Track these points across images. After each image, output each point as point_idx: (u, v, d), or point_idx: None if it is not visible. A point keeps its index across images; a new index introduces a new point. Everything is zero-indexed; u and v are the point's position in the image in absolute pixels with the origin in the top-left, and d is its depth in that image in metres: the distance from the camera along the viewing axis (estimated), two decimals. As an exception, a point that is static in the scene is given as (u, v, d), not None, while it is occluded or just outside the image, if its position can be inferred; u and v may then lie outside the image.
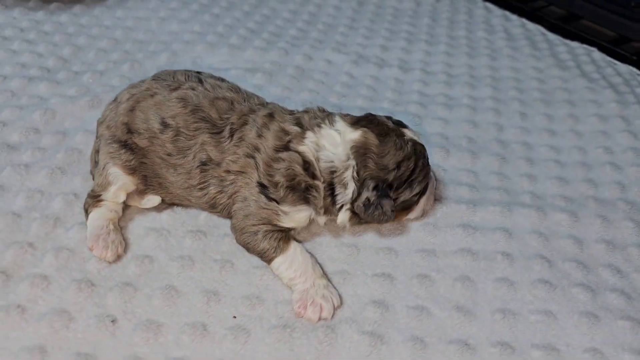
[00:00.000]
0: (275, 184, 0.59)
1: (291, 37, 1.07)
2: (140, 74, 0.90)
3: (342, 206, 0.60)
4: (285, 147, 0.60)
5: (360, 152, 0.59)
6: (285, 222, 0.61)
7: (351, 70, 0.98)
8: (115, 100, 0.66)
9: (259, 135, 0.61)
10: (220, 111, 0.62)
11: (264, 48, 1.00)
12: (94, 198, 0.64)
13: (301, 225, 0.62)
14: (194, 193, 0.62)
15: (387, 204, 0.60)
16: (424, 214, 0.67)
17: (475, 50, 1.09)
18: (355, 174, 0.59)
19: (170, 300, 0.57)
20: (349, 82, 0.94)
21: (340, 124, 0.61)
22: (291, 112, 0.64)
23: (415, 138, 0.62)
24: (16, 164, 0.70)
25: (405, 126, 0.63)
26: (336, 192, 0.60)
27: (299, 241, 0.63)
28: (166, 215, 0.65)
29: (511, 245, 0.65)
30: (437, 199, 0.70)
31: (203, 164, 0.61)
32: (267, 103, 0.66)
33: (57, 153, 0.72)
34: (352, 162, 0.59)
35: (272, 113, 0.62)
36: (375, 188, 0.59)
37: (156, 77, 0.67)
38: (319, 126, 0.62)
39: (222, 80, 0.68)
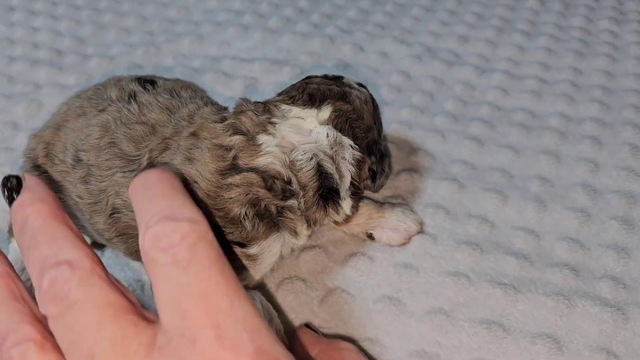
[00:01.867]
0: (235, 220, 0.43)
1: (347, 20, 0.87)
2: (154, 62, 0.77)
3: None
4: (233, 167, 0.43)
5: (343, 127, 0.47)
6: (257, 273, 0.45)
7: (409, 68, 0.76)
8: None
9: (189, 160, 0.44)
10: (137, 140, 0.46)
11: (305, 34, 0.82)
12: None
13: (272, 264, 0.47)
14: (119, 245, 0.48)
15: (386, 163, 0.52)
16: None
17: (590, 48, 0.81)
18: (350, 153, 0.47)
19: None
20: (400, 85, 0.73)
21: (296, 110, 0.47)
22: (220, 112, 0.47)
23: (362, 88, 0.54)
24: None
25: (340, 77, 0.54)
26: (335, 186, 0.46)
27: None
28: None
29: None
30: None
31: (115, 211, 0.46)
32: (197, 111, 0.48)
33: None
34: (344, 141, 0.47)
35: (196, 131, 0.45)
36: (374, 154, 0.49)
37: (97, 87, 0.53)
38: (271, 123, 0.45)
39: (171, 91, 0.51)
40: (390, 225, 0.53)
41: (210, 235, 0.30)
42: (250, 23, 0.85)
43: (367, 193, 0.53)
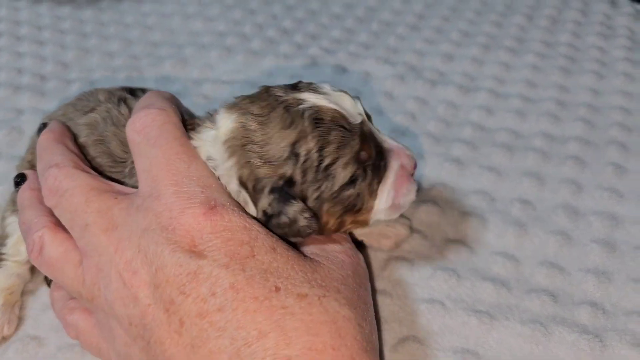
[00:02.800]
0: None
1: (331, 40, 0.87)
2: (136, 85, 0.77)
3: None
4: None
5: (236, 146, 0.40)
6: None
7: (392, 88, 0.76)
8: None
9: None
10: (125, 144, 0.44)
11: (289, 55, 0.82)
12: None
13: None
14: None
15: (291, 210, 0.39)
16: (397, 208, 0.44)
17: (576, 64, 0.80)
18: (237, 180, 0.40)
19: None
20: (382, 106, 0.73)
21: (220, 115, 0.42)
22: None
23: (321, 102, 0.40)
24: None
25: (312, 88, 0.42)
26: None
27: None
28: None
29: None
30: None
31: None
32: None
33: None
34: (231, 163, 0.40)
35: None
36: (271, 192, 0.39)
37: (80, 96, 0.53)
38: (198, 128, 0.43)
39: None
40: (379, 231, 0.53)
41: (175, 118, 0.42)
42: (234, 45, 0.85)
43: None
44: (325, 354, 0.34)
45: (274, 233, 0.40)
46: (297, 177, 0.40)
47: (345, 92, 0.43)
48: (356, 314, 0.37)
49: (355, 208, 0.42)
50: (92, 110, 0.49)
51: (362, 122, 0.41)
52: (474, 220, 0.57)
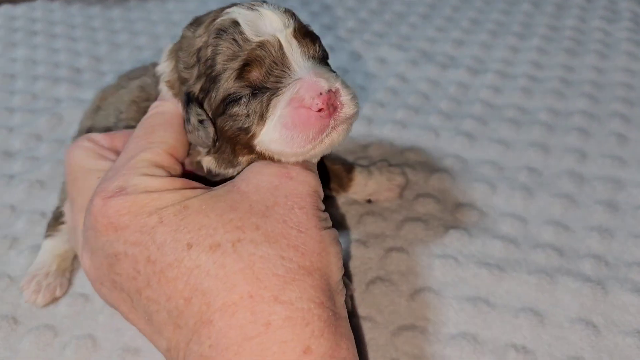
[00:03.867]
0: None
1: (346, 30, 0.91)
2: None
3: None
4: None
5: (173, 51, 0.44)
6: None
7: (405, 72, 0.80)
8: None
9: None
10: None
11: (307, 44, 0.87)
12: (55, 220, 0.56)
13: None
14: None
15: (191, 116, 0.41)
16: (293, 143, 0.38)
17: (581, 45, 0.84)
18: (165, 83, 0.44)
19: (85, 351, 0.48)
20: (396, 88, 0.77)
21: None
22: None
23: (239, 16, 0.40)
24: (2, 175, 0.67)
25: (247, 4, 0.41)
26: None
27: None
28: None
29: None
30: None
31: None
32: None
33: (45, 164, 0.68)
34: (169, 68, 0.44)
35: None
36: (183, 96, 0.42)
37: (131, 70, 0.61)
38: None
39: None
40: (384, 187, 0.59)
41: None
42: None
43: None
44: (242, 304, 0.34)
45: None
46: (196, 84, 0.41)
47: (285, 11, 0.41)
48: (277, 247, 0.35)
49: (245, 131, 0.40)
50: (143, 75, 0.55)
51: (262, 42, 0.39)
52: (484, 186, 0.61)
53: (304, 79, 0.38)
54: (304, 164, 0.40)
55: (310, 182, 0.39)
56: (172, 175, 0.40)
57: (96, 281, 0.40)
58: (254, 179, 0.39)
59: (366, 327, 0.49)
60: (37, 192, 0.64)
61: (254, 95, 0.39)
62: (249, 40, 0.39)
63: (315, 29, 0.92)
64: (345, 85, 0.39)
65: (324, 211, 0.40)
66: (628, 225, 0.57)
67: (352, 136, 0.68)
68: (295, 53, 0.39)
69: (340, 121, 0.38)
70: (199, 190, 0.38)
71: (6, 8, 1.01)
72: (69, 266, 0.55)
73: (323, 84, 0.37)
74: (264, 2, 0.41)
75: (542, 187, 0.61)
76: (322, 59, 0.41)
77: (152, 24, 0.97)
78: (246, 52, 0.39)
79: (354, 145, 0.67)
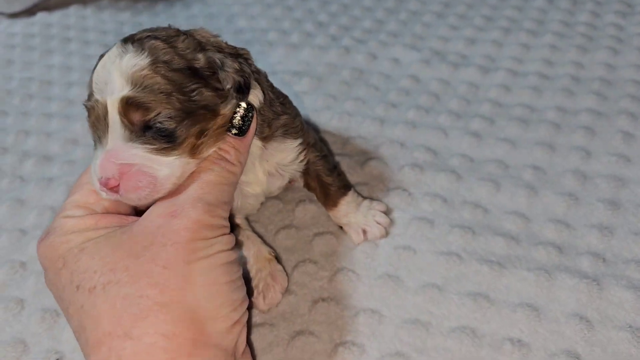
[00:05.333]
0: None
1: (362, 30, 0.94)
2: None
3: None
4: None
5: None
6: None
7: (418, 72, 0.83)
8: None
9: None
10: None
11: (323, 47, 0.90)
12: None
13: None
14: None
15: None
16: None
17: (593, 42, 0.85)
18: None
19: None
20: (409, 88, 0.80)
21: None
22: None
23: (106, 58, 0.43)
24: (40, 179, 0.73)
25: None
26: None
27: None
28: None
29: None
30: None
31: None
32: None
33: (81, 167, 0.73)
34: None
35: None
36: None
37: None
38: None
39: None
40: (357, 226, 0.59)
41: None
42: (274, 39, 0.94)
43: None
44: (104, 341, 0.38)
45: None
46: None
47: (138, 69, 0.41)
48: (137, 287, 0.38)
49: None
50: None
51: (97, 99, 0.43)
52: (489, 185, 0.64)
53: (102, 155, 0.42)
54: (197, 196, 0.43)
55: (190, 215, 0.41)
56: (92, 213, 0.44)
57: None
58: (144, 221, 0.42)
59: (374, 320, 0.53)
60: (74, 194, 0.69)
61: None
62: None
63: (333, 30, 0.95)
64: (145, 168, 0.41)
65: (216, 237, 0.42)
66: (629, 223, 0.59)
67: (364, 136, 0.72)
68: (114, 122, 0.41)
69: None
70: (102, 230, 0.43)
71: (42, 16, 1.07)
72: None
73: (105, 171, 0.41)
74: (139, 43, 0.43)
75: (546, 186, 0.64)
76: (151, 127, 0.42)
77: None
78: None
79: (367, 145, 0.71)
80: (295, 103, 0.59)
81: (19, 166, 0.75)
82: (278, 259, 0.58)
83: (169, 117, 0.41)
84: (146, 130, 0.41)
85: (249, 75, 0.46)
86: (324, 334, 0.52)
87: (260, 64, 0.88)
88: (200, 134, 0.43)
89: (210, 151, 0.45)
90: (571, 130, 0.70)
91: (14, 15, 1.09)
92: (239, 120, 0.46)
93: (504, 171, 0.66)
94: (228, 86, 0.44)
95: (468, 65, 0.83)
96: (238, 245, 0.56)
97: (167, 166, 0.42)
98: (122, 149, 0.41)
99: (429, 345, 0.50)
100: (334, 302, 0.55)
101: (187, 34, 0.46)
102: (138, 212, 0.47)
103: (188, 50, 0.44)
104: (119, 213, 0.46)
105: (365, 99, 0.79)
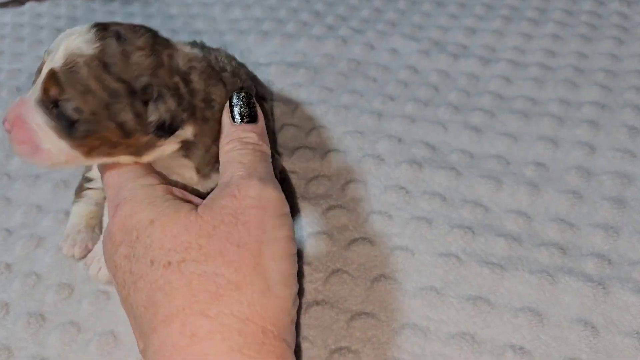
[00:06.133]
0: None
1: (360, 20, 0.91)
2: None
3: None
4: None
5: None
6: None
7: (417, 63, 0.80)
8: None
9: None
10: None
11: (320, 37, 0.88)
12: (80, 187, 0.62)
13: None
14: None
15: None
16: None
17: (597, 31, 0.82)
18: None
19: (107, 347, 0.52)
20: (407, 80, 0.78)
21: None
22: None
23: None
24: (27, 176, 0.70)
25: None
26: None
27: None
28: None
29: None
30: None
31: None
32: None
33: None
34: None
35: None
36: None
37: None
38: None
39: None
40: None
41: None
42: (270, 29, 0.91)
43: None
44: (177, 316, 0.38)
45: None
46: None
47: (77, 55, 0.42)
48: (213, 265, 0.39)
49: None
50: None
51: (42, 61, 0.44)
52: (490, 182, 0.61)
53: (18, 100, 0.44)
54: (247, 174, 0.44)
55: (251, 195, 0.42)
56: (163, 183, 0.45)
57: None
58: (209, 201, 0.43)
59: (370, 324, 0.51)
60: (62, 191, 0.67)
61: None
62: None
63: (330, 20, 0.92)
64: (33, 133, 0.43)
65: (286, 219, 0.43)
66: (634, 222, 0.57)
67: (360, 131, 0.70)
68: (39, 83, 0.43)
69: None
70: (169, 202, 0.43)
71: (31, 5, 1.04)
72: (97, 223, 0.61)
73: (9, 113, 0.44)
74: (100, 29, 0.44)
75: (549, 183, 0.61)
76: (58, 107, 0.42)
77: (170, 18, 0.99)
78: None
79: (363, 141, 0.68)
80: (290, 96, 0.57)
81: (6, 163, 0.73)
82: None
83: (76, 109, 0.42)
84: (54, 108, 0.42)
85: (181, 121, 0.45)
86: (317, 339, 0.50)
87: (255, 54, 0.87)
88: (101, 143, 0.44)
89: (107, 160, 0.46)
90: (574, 124, 0.68)
91: (3, 5, 1.06)
92: (244, 108, 0.47)
93: (505, 167, 0.64)
94: (150, 119, 0.43)
95: (468, 56, 0.80)
96: None
97: (54, 146, 0.43)
98: (29, 106, 0.43)
99: (427, 352, 0.49)
100: (329, 305, 0.53)
101: (170, 53, 0.46)
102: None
103: (137, 68, 0.43)
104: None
105: (363, 91, 0.76)
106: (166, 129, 0.44)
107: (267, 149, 0.47)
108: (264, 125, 0.49)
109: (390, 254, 0.56)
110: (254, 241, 0.40)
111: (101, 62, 0.42)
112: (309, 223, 0.60)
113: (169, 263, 0.39)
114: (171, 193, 0.44)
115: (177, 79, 0.45)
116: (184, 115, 0.45)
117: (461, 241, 0.56)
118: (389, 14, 0.92)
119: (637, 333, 0.48)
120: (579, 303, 0.51)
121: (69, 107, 0.42)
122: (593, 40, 0.81)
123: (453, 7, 0.92)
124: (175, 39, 0.94)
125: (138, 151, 0.45)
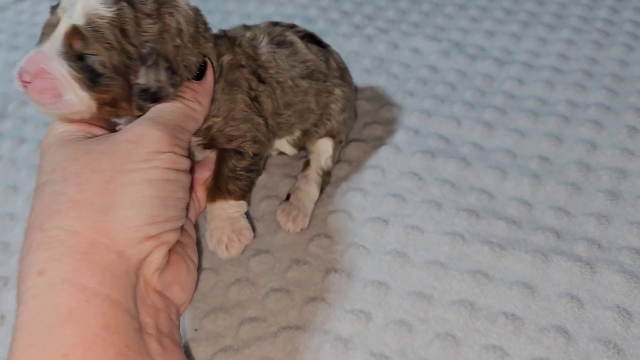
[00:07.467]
0: None
1: (385, 20, 0.98)
2: (219, 62, 0.92)
3: None
4: None
5: None
6: None
7: (436, 62, 0.87)
8: None
9: None
10: None
11: (347, 35, 0.94)
12: None
13: None
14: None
15: None
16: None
17: (609, 38, 0.87)
18: None
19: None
20: (426, 78, 0.84)
21: None
22: None
23: None
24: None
25: None
26: None
27: None
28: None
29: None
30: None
31: None
32: None
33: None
34: None
35: None
36: None
37: None
38: None
39: None
40: (211, 241, 0.58)
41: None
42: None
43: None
44: (26, 233, 0.41)
45: None
46: None
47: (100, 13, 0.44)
48: (63, 185, 0.41)
49: None
50: None
51: (57, 17, 0.46)
52: (496, 172, 0.68)
53: (34, 52, 0.45)
54: (147, 117, 0.46)
55: (133, 131, 0.44)
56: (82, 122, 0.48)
57: None
58: (105, 135, 0.46)
59: (381, 292, 0.58)
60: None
61: None
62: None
63: (357, 19, 0.99)
64: (58, 83, 0.44)
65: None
66: (626, 213, 0.63)
67: (380, 123, 0.76)
68: (58, 37, 0.45)
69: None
70: (80, 133, 0.46)
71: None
72: None
73: (28, 65, 0.44)
74: None
75: (551, 175, 0.67)
76: (83, 60, 0.45)
77: (209, 12, 1.06)
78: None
79: (382, 132, 0.75)
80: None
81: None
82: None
83: (101, 63, 0.45)
84: (78, 60, 0.44)
85: (167, 95, 0.48)
86: (335, 302, 0.57)
87: (286, 50, 0.93)
88: (112, 99, 0.46)
89: (112, 115, 0.49)
90: (579, 124, 0.73)
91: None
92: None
93: (511, 160, 0.70)
94: (137, 81, 0.46)
95: (485, 58, 0.86)
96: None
97: (77, 96, 0.45)
98: (51, 57, 0.44)
99: (430, 316, 0.55)
100: (345, 273, 0.60)
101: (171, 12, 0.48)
102: None
103: (145, 35, 0.46)
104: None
105: (385, 87, 0.83)
106: (149, 96, 0.47)
107: (194, 106, 0.49)
108: (208, 87, 0.51)
109: (402, 232, 0.63)
110: (110, 168, 0.42)
111: (118, 25, 0.44)
112: (330, 202, 0.67)
113: (38, 186, 0.43)
114: (90, 132, 0.47)
115: (178, 41, 0.48)
116: (171, 90, 0.48)
117: (466, 223, 0.63)
118: (413, 16, 0.99)
119: (617, 307, 0.54)
120: (568, 280, 0.57)
121: (95, 60, 0.44)
122: (605, 46, 0.86)
123: (474, 10, 0.98)
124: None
125: (132, 112, 0.48)
